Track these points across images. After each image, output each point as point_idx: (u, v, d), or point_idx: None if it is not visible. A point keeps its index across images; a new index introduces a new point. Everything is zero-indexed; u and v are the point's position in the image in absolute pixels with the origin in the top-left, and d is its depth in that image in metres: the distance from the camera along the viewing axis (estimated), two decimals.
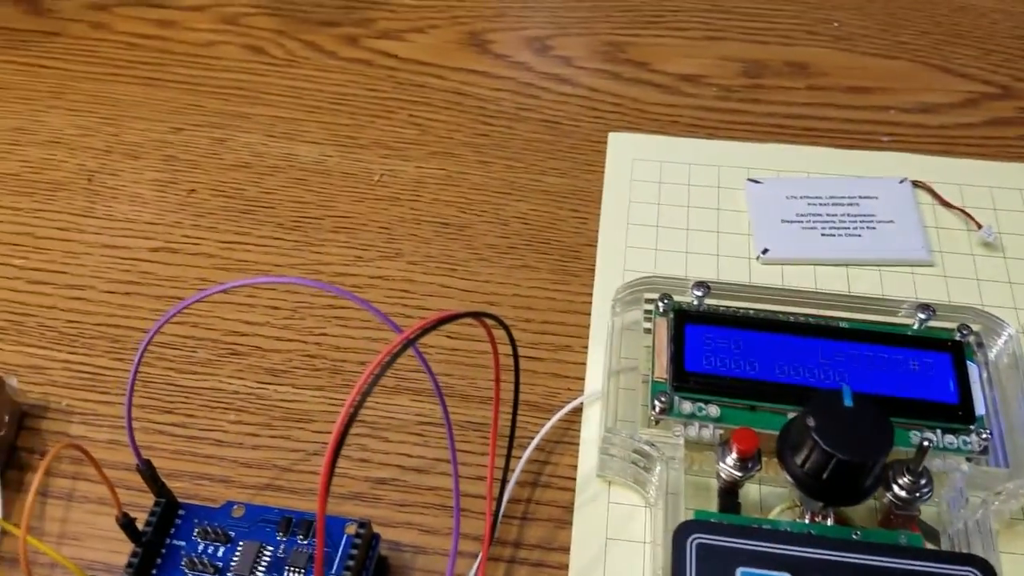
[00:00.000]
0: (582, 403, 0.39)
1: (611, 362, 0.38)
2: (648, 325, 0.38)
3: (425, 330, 0.27)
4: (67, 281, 0.44)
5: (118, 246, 0.45)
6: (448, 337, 0.41)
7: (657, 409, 0.35)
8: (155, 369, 0.41)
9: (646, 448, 0.34)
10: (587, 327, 0.42)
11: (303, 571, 0.32)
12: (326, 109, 0.52)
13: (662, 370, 0.36)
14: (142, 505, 0.34)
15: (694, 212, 0.46)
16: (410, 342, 0.26)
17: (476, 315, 0.30)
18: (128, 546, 0.32)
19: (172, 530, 0.33)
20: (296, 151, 0.50)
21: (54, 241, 0.46)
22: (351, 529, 0.33)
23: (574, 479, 0.37)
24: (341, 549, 0.32)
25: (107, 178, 0.49)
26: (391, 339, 0.26)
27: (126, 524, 0.32)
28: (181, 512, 0.34)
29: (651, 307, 0.38)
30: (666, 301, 0.38)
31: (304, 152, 0.50)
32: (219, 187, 0.48)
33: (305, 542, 0.33)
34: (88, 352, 0.42)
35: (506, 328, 0.31)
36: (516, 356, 0.32)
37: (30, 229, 0.46)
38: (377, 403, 0.39)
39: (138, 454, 0.32)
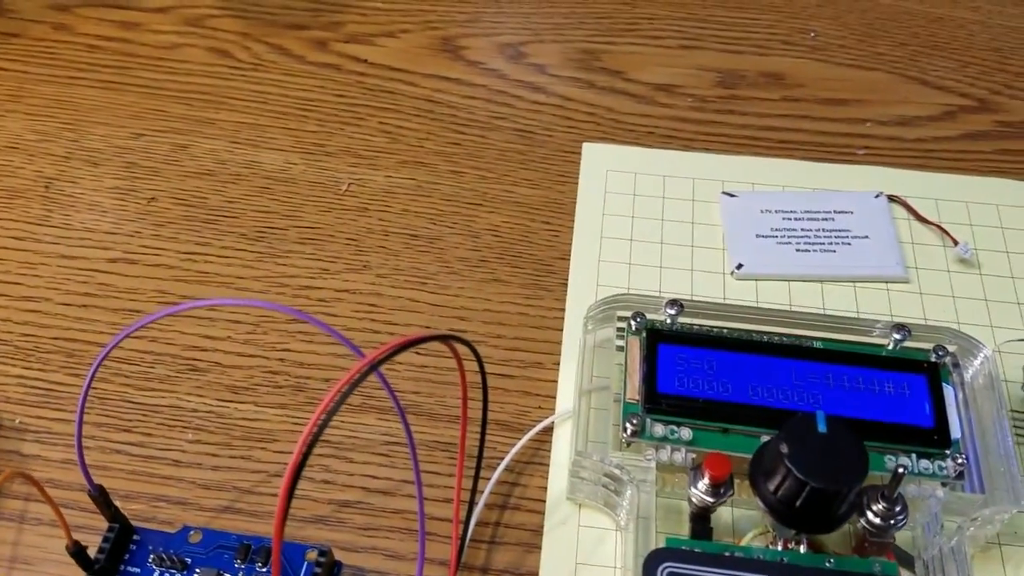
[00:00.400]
0: (553, 422, 0.38)
1: (582, 381, 0.37)
2: (621, 343, 0.37)
3: (388, 355, 0.26)
4: (22, 293, 0.43)
5: (75, 256, 0.44)
6: (416, 354, 0.40)
7: (628, 432, 0.34)
8: (111, 385, 0.39)
9: (617, 472, 0.33)
10: (559, 343, 0.41)
11: None
12: (293, 115, 0.51)
13: (634, 391, 0.35)
14: (97, 528, 0.32)
15: (668, 225, 0.45)
16: (373, 367, 0.26)
17: (442, 338, 0.29)
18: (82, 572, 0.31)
19: (126, 556, 0.32)
20: (261, 159, 0.48)
21: (9, 251, 0.44)
22: (312, 556, 0.32)
23: (544, 501, 0.36)
24: None
25: (65, 185, 0.47)
26: (357, 356, 0.25)
27: (76, 552, 0.31)
28: (136, 537, 0.33)
29: (624, 325, 0.37)
30: (639, 319, 0.37)
31: (269, 160, 0.48)
32: (180, 195, 0.47)
33: (264, 570, 0.32)
34: (43, 367, 0.40)
35: (474, 350, 0.30)
36: (484, 376, 0.32)
37: None
38: (342, 422, 0.38)
39: (89, 480, 0.30)
